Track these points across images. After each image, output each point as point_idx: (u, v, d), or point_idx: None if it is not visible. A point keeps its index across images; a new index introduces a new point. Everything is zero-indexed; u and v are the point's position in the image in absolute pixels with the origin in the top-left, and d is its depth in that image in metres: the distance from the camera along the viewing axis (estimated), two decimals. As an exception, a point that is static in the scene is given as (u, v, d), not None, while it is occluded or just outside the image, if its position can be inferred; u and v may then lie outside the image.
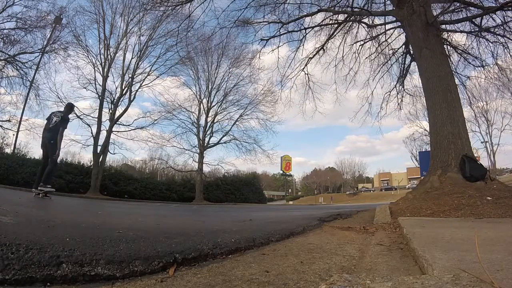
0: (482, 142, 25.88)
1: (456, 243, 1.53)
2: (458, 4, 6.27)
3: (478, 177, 4.46)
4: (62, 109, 6.40)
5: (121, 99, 16.34)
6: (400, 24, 7.08)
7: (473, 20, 6.61)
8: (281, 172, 42.65)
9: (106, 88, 15.77)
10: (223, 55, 18.99)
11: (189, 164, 22.17)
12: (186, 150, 19.38)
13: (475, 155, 8.71)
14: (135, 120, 22.16)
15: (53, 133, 5.38)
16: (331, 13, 7.92)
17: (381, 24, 8.57)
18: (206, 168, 19.73)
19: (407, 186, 46.26)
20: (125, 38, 16.11)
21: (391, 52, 9.31)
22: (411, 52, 7.87)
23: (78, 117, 15.35)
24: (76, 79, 15.42)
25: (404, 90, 9.96)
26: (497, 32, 6.80)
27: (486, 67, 7.92)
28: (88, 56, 15.43)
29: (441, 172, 4.95)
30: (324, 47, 8.80)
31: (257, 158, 20.31)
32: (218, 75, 19.47)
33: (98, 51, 15.71)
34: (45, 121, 5.72)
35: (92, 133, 15.46)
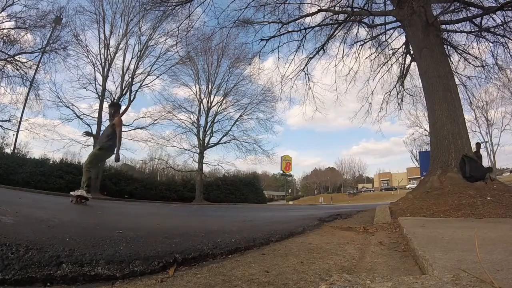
0: (482, 142, 25.86)
1: (456, 243, 1.53)
2: (458, 4, 6.27)
3: (478, 177, 4.46)
4: None
5: (121, 99, 16.34)
6: (400, 24, 7.08)
7: (473, 20, 6.61)
8: (281, 172, 42.63)
9: (106, 88, 15.78)
10: (223, 55, 19.02)
11: (189, 164, 22.16)
12: (186, 150, 19.41)
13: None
14: (135, 120, 22.18)
15: None
16: (331, 13, 7.92)
17: (381, 24, 8.57)
18: (206, 168, 19.76)
19: (407, 186, 46.27)
20: (125, 38, 16.12)
21: (391, 52, 9.32)
22: (411, 52, 7.87)
23: (78, 117, 15.38)
24: (76, 79, 15.45)
25: (404, 90, 9.97)
26: (497, 32, 6.79)
27: (486, 67, 7.92)
28: (88, 56, 15.44)
29: (441, 172, 4.94)
30: (324, 47, 8.80)
31: (257, 158, 20.35)
32: (218, 75, 19.50)
33: (98, 51, 15.73)
34: None
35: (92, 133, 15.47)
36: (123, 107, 16.52)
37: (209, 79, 19.38)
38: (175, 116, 18.83)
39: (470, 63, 8.08)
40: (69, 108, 15.28)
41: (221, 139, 19.73)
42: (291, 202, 42.71)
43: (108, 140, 4.51)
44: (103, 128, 15.74)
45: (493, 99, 22.13)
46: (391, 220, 3.33)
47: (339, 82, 17.45)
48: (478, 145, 9.96)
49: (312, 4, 7.94)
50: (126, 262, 1.15)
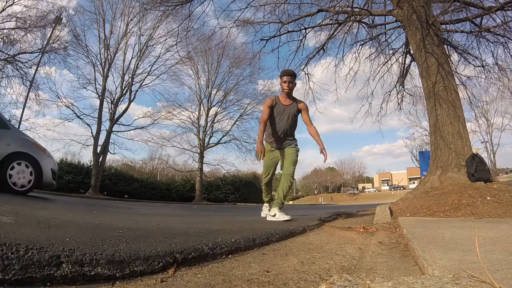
0: (482, 142, 25.87)
1: (456, 243, 1.53)
2: (458, 4, 6.27)
3: (480, 179, 4.44)
4: None
5: (121, 99, 16.36)
6: (400, 24, 7.08)
7: (473, 20, 6.61)
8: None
9: (106, 88, 15.80)
10: (223, 55, 19.06)
11: (189, 164, 22.19)
12: (186, 150, 19.44)
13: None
14: (135, 120, 22.20)
15: None
16: (331, 13, 7.91)
17: (381, 24, 8.56)
18: (206, 168, 19.79)
19: (409, 186, 46.42)
20: (125, 38, 16.13)
21: (391, 52, 9.32)
22: (411, 52, 7.86)
23: (78, 117, 15.39)
24: (76, 78, 15.47)
25: (404, 90, 9.96)
26: (497, 32, 6.79)
27: (486, 67, 7.92)
28: (88, 56, 15.47)
29: (441, 172, 4.94)
30: (324, 47, 8.79)
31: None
32: (218, 75, 19.54)
33: (98, 51, 15.75)
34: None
35: (92, 133, 15.48)
36: (123, 107, 16.56)
37: (209, 79, 19.42)
38: (175, 116, 18.86)
39: (470, 63, 8.08)
40: (69, 108, 15.30)
41: (221, 139, 19.77)
42: (291, 202, 42.71)
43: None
44: (103, 128, 15.75)
45: (493, 99, 22.09)
46: (391, 220, 3.33)
47: (339, 82, 17.49)
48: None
49: (312, 4, 7.94)
50: (126, 262, 1.15)
